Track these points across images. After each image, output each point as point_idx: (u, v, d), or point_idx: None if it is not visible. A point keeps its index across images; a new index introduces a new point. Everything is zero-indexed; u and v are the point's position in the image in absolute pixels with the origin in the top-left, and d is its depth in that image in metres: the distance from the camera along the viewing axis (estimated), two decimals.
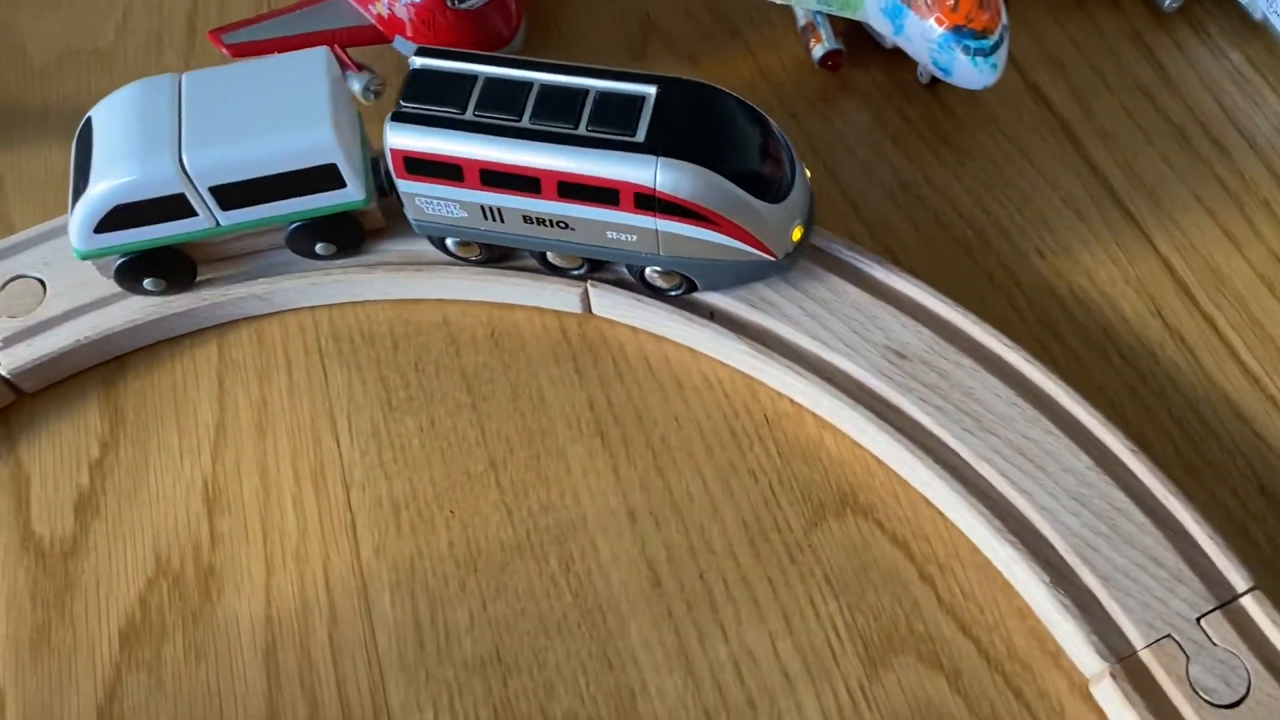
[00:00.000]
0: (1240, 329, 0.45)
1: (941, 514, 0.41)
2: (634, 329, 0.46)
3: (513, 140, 0.40)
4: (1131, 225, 0.48)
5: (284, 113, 0.42)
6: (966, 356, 0.42)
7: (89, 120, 0.43)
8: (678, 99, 0.40)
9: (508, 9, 0.51)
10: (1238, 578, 0.38)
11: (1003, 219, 0.48)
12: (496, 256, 0.46)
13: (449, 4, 0.48)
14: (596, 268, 0.45)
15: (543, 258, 0.45)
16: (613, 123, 0.39)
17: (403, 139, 0.41)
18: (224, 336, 0.47)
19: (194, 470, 0.44)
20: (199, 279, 0.46)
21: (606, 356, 0.45)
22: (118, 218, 0.42)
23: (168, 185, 0.41)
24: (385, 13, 0.49)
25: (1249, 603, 0.38)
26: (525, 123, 0.40)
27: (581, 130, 0.39)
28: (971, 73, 0.46)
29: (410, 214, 0.43)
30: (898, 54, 0.49)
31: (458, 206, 0.42)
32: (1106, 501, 0.39)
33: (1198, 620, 0.37)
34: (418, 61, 0.41)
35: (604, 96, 0.40)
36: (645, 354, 0.45)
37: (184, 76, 0.43)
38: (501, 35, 0.50)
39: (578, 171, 0.39)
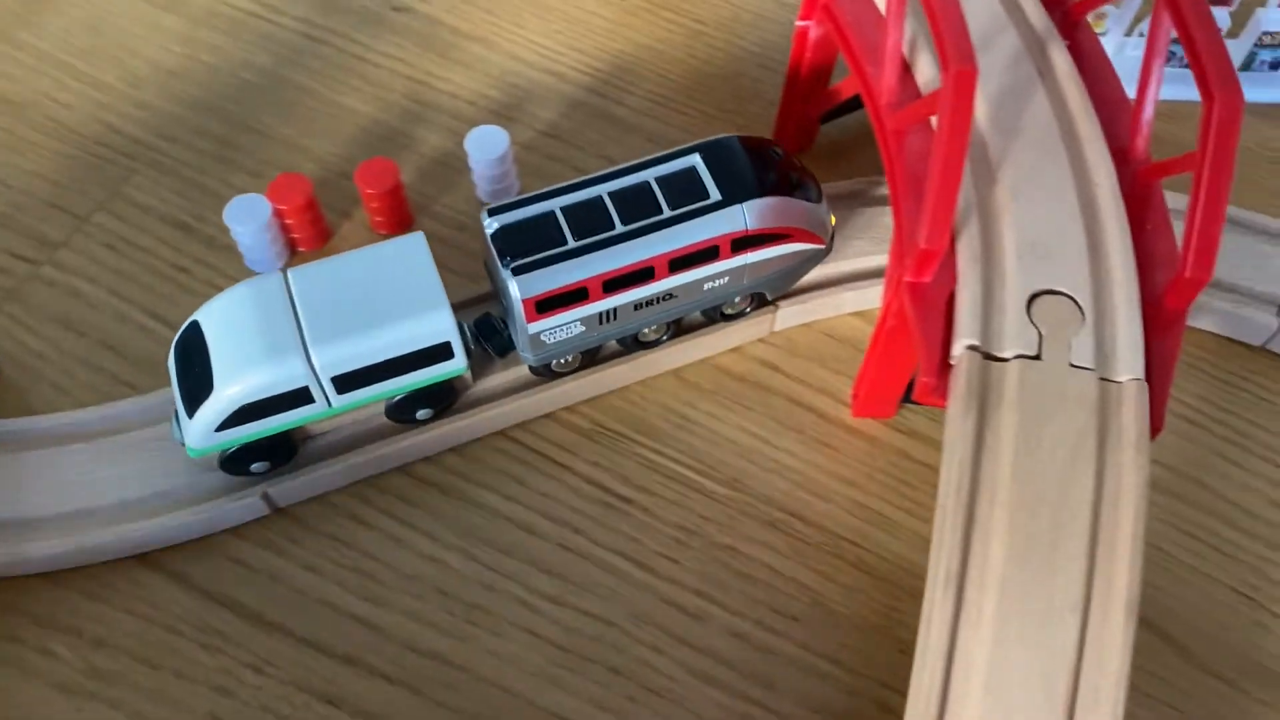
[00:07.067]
0: None
1: None
2: None
3: (621, 246, 0.45)
4: None
5: (401, 299, 0.43)
6: None
7: (195, 324, 0.43)
8: (716, 155, 0.47)
9: None
10: None
11: None
12: (588, 362, 0.51)
13: None
14: (678, 332, 0.51)
15: (634, 339, 0.50)
16: (688, 195, 0.46)
17: (531, 286, 0.44)
18: None
19: None
20: None
21: None
22: (241, 416, 0.42)
23: (295, 381, 0.42)
24: None
25: None
26: (621, 228, 0.45)
27: (668, 213, 0.45)
28: None
29: (532, 352, 0.47)
30: None
31: (579, 324, 0.47)
32: None
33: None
34: (493, 222, 0.45)
35: (666, 179, 0.46)
36: None
37: (290, 272, 0.44)
38: None
39: (683, 245, 0.45)
